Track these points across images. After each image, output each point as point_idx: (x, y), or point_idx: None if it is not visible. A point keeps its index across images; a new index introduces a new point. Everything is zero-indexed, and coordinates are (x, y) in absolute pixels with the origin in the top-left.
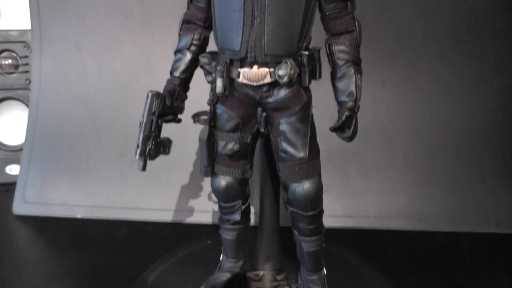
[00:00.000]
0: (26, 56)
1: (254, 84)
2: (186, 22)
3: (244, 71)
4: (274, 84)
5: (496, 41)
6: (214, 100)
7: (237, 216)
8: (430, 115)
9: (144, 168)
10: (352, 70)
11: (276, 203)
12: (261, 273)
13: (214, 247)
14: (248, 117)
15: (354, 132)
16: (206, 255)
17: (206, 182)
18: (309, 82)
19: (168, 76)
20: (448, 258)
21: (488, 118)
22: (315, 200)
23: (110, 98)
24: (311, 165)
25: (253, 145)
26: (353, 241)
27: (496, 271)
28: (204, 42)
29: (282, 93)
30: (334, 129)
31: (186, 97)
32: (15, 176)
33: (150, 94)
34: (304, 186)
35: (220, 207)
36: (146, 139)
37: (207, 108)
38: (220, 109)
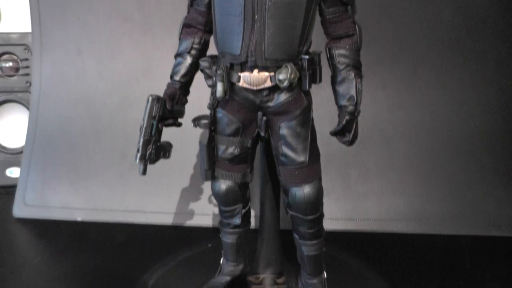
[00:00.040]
0: (27, 59)
1: (255, 88)
2: (187, 26)
3: (244, 75)
4: (275, 88)
5: (496, 43)
6: (215, 104)
7: (237, 220)
8: (430, 118)
9: (144, 172)
10: (352, 74)
11: (277, 206)
12: (262, 276)
13: (214, 250)
14: (249, 121)
15: (355, 136)
16: (207, 258)
17: (207, 185)
18: (310, 86)
19: (168, 79)
20: (449, 261)
21: (488, 120)
22: (315, 204)
23: (110, 100)
24: (312, 169)
25: (253, 149)
26: (354, 244)
27: (497, 274)
28: (205, 46)
29: (283, 97)
30: (335, 133)
31: (186, 101)
32: (16, 178)
33: (150, 98)
34: (304, 190)
35: (220, 210)
36: (146, 143)
37: (207, 111)
38: (220, 113)
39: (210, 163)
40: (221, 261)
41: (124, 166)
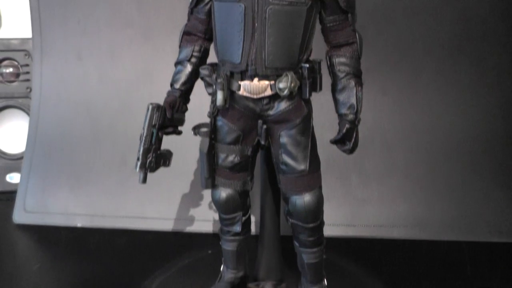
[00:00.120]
0: (27, 65)
1: (255, 97)
2: (187, 34)
3: (244, 84)
4: (275, 97)
5: (496, 48)
6: (215, 112)
7: (237, 228)
8: (430, 124)
9: (144, 180)
10: (352, 83)
11: (277, 213)
12: (262, 283)
13: (214, 257)
14: (249, 130)
15: (355, 145)
16: (207, 265)
17: (207, 191)
18: (310, 95)
19: (169, 84)
20: (449, 267)
21: (488, 126)
22: (315, 213)
23: (110, 106)
24: (312, 177)
25: (253, 157)
26: (354, 250)
27: (498, 280)
28: (205, 53)
29: (283, 105)
30: (335, 142)
31: (186, 109)
32: (16, 184)
33: (150, 107)
34: (304, 199)
35: (220, 218)
36: (146, 152)
37: (207, 119)
38: (220, 121)
39: (210, 171)
40: (221, 268)
41: (125, 172)
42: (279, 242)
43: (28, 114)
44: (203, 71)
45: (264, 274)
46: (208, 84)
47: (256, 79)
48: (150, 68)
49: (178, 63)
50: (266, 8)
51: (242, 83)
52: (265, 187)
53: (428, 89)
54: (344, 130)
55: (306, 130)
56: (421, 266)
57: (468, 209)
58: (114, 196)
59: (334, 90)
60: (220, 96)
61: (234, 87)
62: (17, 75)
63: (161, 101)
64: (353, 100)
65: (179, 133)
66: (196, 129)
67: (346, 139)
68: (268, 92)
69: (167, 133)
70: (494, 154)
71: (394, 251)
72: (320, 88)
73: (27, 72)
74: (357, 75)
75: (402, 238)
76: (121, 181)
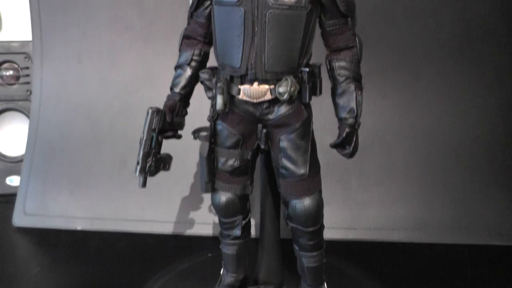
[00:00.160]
0: (27, 67)
1: (255, 101)
2: (186, 38)
3: (244, 88)
4: (275, 101)
5: (496, 51)
6: (214, 116)
7: (237, 232)
8: (430, 127)
9: (144, 184)
10: (352, 87)
11: (277, 217)
12: (262, 287)
13: (214, 260)
14: (249, 134)
15: (355, 149)
16: (207, 268)
17: (207, 194)
18: (310, 99)
19: (169, 86)
20: (449, 270)
21: (489, 128)
22: (315, 217)
23: (110, 109)
24: (312, 181)
25: (253, 161)
26: (354, 253)
27: (498, 283)
28: (205, 57)
29: (283, 110)
30: (335, 146)
31: (186, 113)
32: (16, 187)
33: (150, 111)
34: (304, 203)
35: (220, 222)
36: (146, 156)
37: (207, 123)
38: (220, 125)
39: (210, 175)
40: (221, 272)
41: (124, 175)
42: (279, 246)
43: (28, 116)
44: (203, 75)
45: (264, 278)
46: (208, 88)
47: (256, 83)
48: (150, 71)
49: (178, 67)
50: (266, 12)
51: (242, 87)
52: (265, 191)
53: (427, 91)
54: (344, 134)
55: (306, 134)
56: (422, 269)
57: (468, 211)
58: (114, 199)
59: (334, 94)
60: (220, 100)
61: (234, 91)
62: (17, 77)
63: (161, 105)
64: (353, 104)
65: (179, 137)
66: (196, 133)
67: (346, 143)
68: (268, 96)
69: (167, 137)
70: (494, 157)
71: (394, 254)
72: (320, 92)
73: (27, 75)
74: (357, 79)
75: (402, 241)
76: (121, 184)
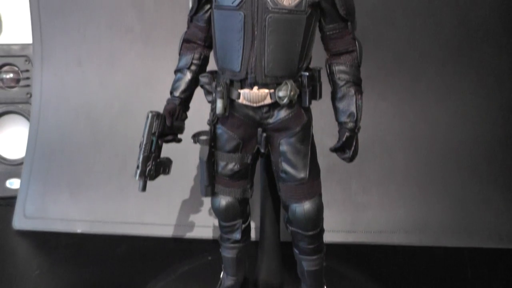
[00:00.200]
0: (27, 70)
1: (254, 105)
2: (186, 41)
3: (244, 92)
4: (274, 105)
5: (496, 53)
6: (214, 120)
7: (237, 235)
8: (430, 129)
9: (144, 188)
10: (352, 91)
11: (277, 220)
12: None
13: (214, 263)
14: (248, 138)
15: (355, 153)
16: (207, 271)
17: (207, 197)
18: (310, 103)
19: (168, 89)
20: (450, 273)
21: (488, 131)
22: (315, 220)
23: (111, 112)
24: (312, 185)
25: (253, 165)
26: (354, 256)
27: (498, 286)
28: (205, 61)
29: (282, 114)
30: (335, 150)
31: (186, 117)
32: (16, 190)
33: (150, 115)
34: (304, 207)
35: (220, 226)
36: (146, 160)
37: (207, 126)
38: (220, 129)
39: (210, 179)
40: (221, 275)
41: (125, 177)
42: (279, 249)
43: (28, 119)
44: (203, 79)
45: (264, 281)
46: (207, 92)
47: (255, 88)
48: (150, 74)
49: (177, 70)
50: (265, 16)
51: (241, 91)
52: (265, 194)
53: (427, 93)
54: (344, 138)
55: (306, 138)
56: (422, 272)
57: (468, 214)
58: (114, 202)
59: (334, 98)
60: (219, 104)
61: (234, 96)
62: (18, 80)
63: (161, 108)
64: (353, 108)
65: (179, 141)
66: (195, 137)
67: (346, 147)
68: (268, 101)
69: (167, 141)
70: (494, 159)
71: (394, 257)
72: (320, 96)
73: (27, 78)
74: (357, 83)
75: (402, 243)
76: (121, 187)
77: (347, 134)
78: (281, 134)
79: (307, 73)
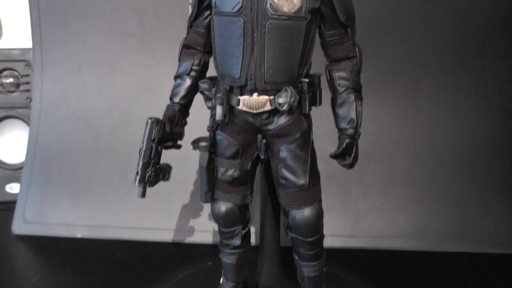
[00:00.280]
0: (28, 75)
1: (254, 111)
2: (186, 47)
3: (244, 98)
4: (274, 111)
5: (496, 59)
6: (214, 126)
7: (237, 241)
8: (430, 134)
9: (143, 195)
10: (352, 97)
11: (277, 226)
12: None
13: (214, 268)
14: (248, 144)
15: (355, 159)
16: (207, 276)
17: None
18: (309, 109)
19: (168, 95)
20: (450, 279)
21: (488, 136)
22: (315, 227)
23: (110, 117)
24: (312, 191)
25: (253, 171)
26: (354, 261)
27: None
28: (204, 67)
29: (282, 120)
30: (335, 156)
31: (186, 123)
32: (15, 194)
33: (149, 121)
34: (304, 213)
35: (220, 231)
36: (145, 166)
37: (207, 132)
38: (220, 135)
39: (210, 185)
40: (221, 281)
41: (124, 182)
42: (279, 254)
43: (28, 124)
44: (203, 85)
45: (264, 286)
46: (207, 98)
47: (255, 94)
48: (150, 79)
49: (177, 76)
50: (265, 23)
51: (241, 98)
52: (265, 200)
53: (427, 99)
54: (344, 145)
55: (306, 144)
56: (421, 277)
57: (469, 220)
58: (114, 207)
59: (334, 104)
60: (219, 111)
61: (234, 102)
62: (18, 85)
63: (160, 113)
64: (353, 115)
65: (179, 147)
66: (195, 143)
67: (346, 153)
68: (268, 107)
69: (166, 147)
70: (494, 164)
71: (394, 262)
72: (320, 103)
73: (28, 82)
74: (357, 89)
75: (402, 248)
76: (121, 192)
77: (347, 140)
78: (281, 140)
79: (307, 80)
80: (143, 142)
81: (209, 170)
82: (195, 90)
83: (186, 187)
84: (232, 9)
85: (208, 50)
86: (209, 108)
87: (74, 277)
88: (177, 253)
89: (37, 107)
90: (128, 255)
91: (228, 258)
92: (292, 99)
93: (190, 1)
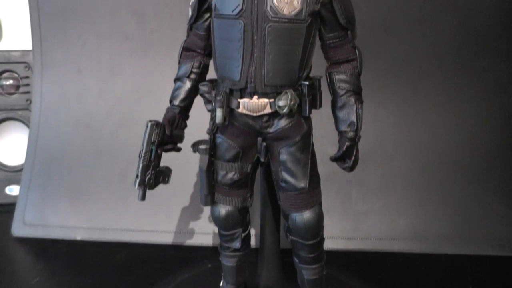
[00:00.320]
0: (27, 77)
1: (254, 114)
2: (186, 50)
3: (244, 101)
4: (274, 114)
5: (496, 61)
6: (214, 129)
7: (237, 244)
8: (431, 136)
9: (143, 198)
10: (353, 100)
11: (277, 229)
12: None
13: (214, 270)
14: (248, 147)
15: (355, 162)
16: (207, 279)
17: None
18: (310, 112)
19: (168, 97)
20: (451, 281)
21: (489, 138)
22: (315, 229)
23: (110, 119)
24: (312, 194)
25: (253, 174)
26: (354, 263)
27: None
28: (204, 69)
29: (282, 123)
30: (335, 159)
31: (185, 126)
32: (15, 196)
33: (149, 124)
34: (304, 216)
35: (220, 234)
36: (145, 169)
37: (207, 135)
38: (220, 138)
39: (210, 188)
40: (221, 283)
41: (124, 185)
42: (279, 257)
43: (28, 126)
44: (203, 88)
45: None
46: (207, 101)
47: (255, 97)
48: (150, 82)
49: (177, 79)
50: (265, 26)
51: (241, 100)
52: (265, 203)
53: (427, 101)
54: (344, 148)
55: (306, 147)
56: (422, 279)
57: (469, 222)
58: (113, 209)
59: (334, 107)
60: (219, 113)
61: (234, 105)
62: (17, 87)
63: (161, 115)
64: (353, 118)
65: (179, 150)
66: (195, 146)
67: (346, 156)
68: (268, 110)
69: (166, 150)
70: (494, 166)
71: (394, 264)
72: (320, 105)
73: (27, 84)
74: (357, 92)
75: (402, 251)
76: (120, 194)
77: (347, 143)
78: (281, 143)
79: (307, 82)
80: (143, 145)
81: (209, 173)
82: (195, 92)
83: (186, 189)
84: (232, 11)
85: (208, 52)
86: (209, 110)
87: (74, 279)
88: (177, 256)
89: (37, 109)
90: (128, 257)
91: (228, 261)
92: (292, 102)
93: (190, 4)
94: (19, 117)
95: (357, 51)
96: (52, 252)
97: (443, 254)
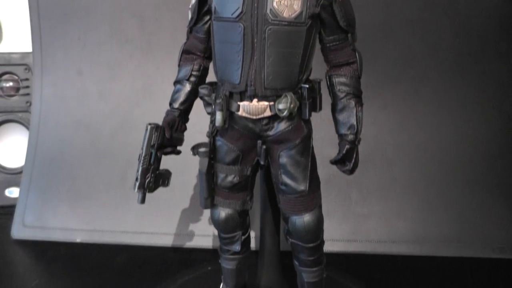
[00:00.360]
0: (27, 79)
1: (254, 117)
2: (186, 52)
3: (243, 104)
4: (274, 117)
5: (496, 64)
6: (214, 132)
7: (237, 247)
8: (431, 139)
9: (143, 201)
10: (353, 103)
11: (277, 232)
12: None
13: (214, 273)
14: (248, 150)
15: (355, 165)
16: (206, 281)
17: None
18: (310, 115)
19: (168, 100)
20: (451, 284)
21: (489, 142)
22: (315, 232)
23: (110, 121)
24: (312, 197)
25: (253, 177)
26: (354, 266)
27: None
28: (204, 72)
29: (282, 126)
30: (335, 162)
31: (185, 128)
32: (15, 199)
33: (149, 127)
34: (304, 219)
35: (220, 237)
36: (145, 172)
37: (206, 138)
38: (219, 141)
39: (209, 191)
40: (220, 286)
41: (124, 187)
42: (279, 260)
43: (27, 128)
44: (202, 91)
45: None
46: (207, 104)
47: (255, 100)
48: (150, 84)
49: (177, 82)
50: (265, 28)
51: (241, 103)
52: (265, 206)
53: (427, 104)
54: (344, 151)
55: (306, 150)
56: (422, 282)
57: (470, 225)
58: (113, 212)
59: (334, 110)
60: (219, 116)
61: (233, 108)
62: (17, 89)
63: (160, 118)
64: (353, 121)
65: (178, 152)
66: (195, 149)
67: (346, 159)
68: (268, 113)
69: (166, 153)
70: (495, 170)
71: (394, 267)
72: (320, 108)
73: (27, 86)
74: (357, 95)
75: (402, 253)
76: (120, 197)
77: (347, 146)
78: (281, 146)
79: (307, 85)
80: (142, 148)
81: (209, 176)
82: (194, 95)
83: (186, 191)
84: (232, 14)
85: (208, 55)
86: (208, 113)
87: (74, 281)
88: (176, 258)
89: (36, 111)
90: (128, 259)
91: (228, 264)
92: (292, 105)
93: (190, 6)
94: (19, 119)
95: (357, 54)
96: (52, 254)
97: (443, 256)
